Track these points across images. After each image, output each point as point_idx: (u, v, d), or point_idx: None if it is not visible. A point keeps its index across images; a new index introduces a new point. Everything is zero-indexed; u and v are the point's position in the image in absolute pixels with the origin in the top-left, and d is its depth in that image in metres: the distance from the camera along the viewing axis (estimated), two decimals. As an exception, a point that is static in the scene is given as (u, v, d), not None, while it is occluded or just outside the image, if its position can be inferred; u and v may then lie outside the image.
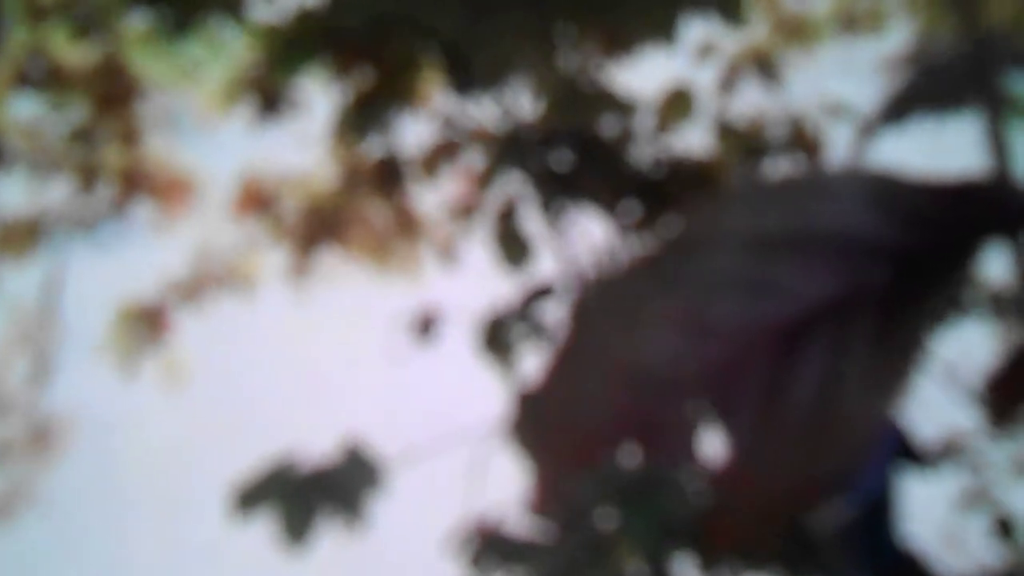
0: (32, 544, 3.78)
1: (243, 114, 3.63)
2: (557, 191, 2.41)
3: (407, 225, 3.32)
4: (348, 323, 3.60)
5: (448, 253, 3.52)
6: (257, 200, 3.96)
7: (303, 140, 3.67)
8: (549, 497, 0.60)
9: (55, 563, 3.74)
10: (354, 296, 3.41)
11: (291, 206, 3.88)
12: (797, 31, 3.10)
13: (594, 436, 0.59)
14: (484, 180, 2.37)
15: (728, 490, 0.57)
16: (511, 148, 2.43)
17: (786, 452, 0.57)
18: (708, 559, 2.16)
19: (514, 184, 2.45)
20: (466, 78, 2.35)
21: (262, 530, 2.41)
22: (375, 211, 3.65)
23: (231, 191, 3.93)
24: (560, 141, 2.49)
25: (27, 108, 3.89)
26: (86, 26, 3.29)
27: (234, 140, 3.79)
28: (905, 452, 3.11)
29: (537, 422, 1.99)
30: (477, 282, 2.50)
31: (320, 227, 3.82)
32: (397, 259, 3.58)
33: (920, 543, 2.82)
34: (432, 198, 3.13)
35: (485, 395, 2.37)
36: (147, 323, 3.89)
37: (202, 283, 3.98)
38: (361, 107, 2.95)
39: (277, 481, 2.26)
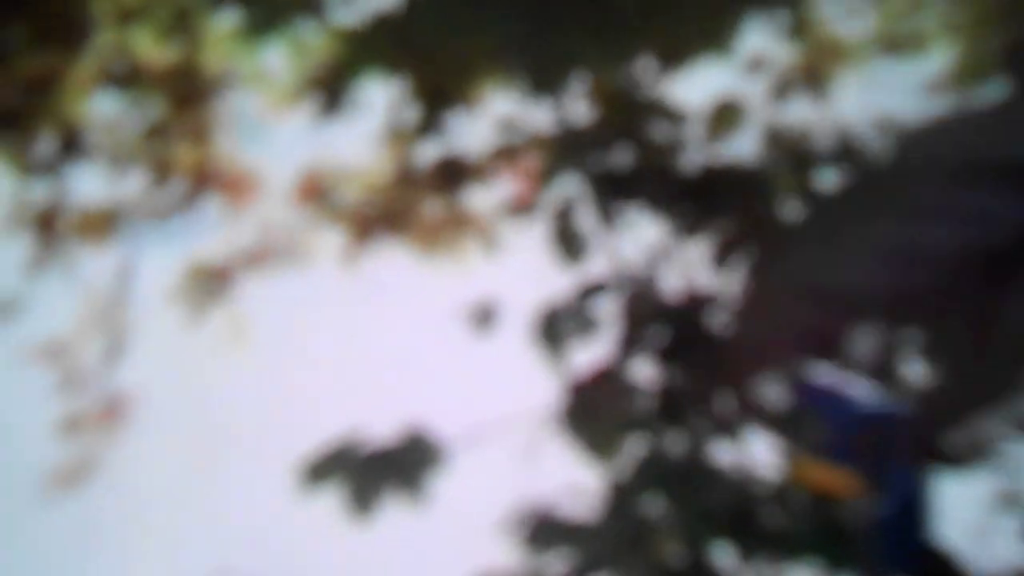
0: (98, 514, 3.79)
1: (307, 111, 3.65)
2: (612, 193, 2.39)
3: (462, 220, 3.32)
4: (404, 309, 3.59)
5: (498, 247, 3.52)
6: (317, 190, 3.97)
7: (362, 136, 3.68)
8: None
9: (119, 533, 3.75)
10: (410, 284, 3.40)
11: (348, 196, 3.89)
12: (839, 52, 3.07)
13: (782, 347, 0.57)
14: (543, 180, 2.35)
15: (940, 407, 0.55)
16: (568, 150, 2.41)
17: (996, 377, 0.55)
18: (747, 550, 2.14)
19: (571, 185, 2.43)
20: (532, 82, 2.33)
21: (324, 505, 2.41)
22: (430, 205, 3.65)
23: (293, 183, 3.95)
24: (615, 145, 2.47)
25: (108, 104, 3.91)
26: (171, 27, 3.30)
27: (296, 136, 3.80)
28: (937, 452, 3.07)
29: (587, 409, 1.95)
30: (532, 276, 2.49)
31: (375, 216, 3.83)
32: (449, 251, 3.58)
33: (951, 544, 2.78)
34: (488, 195, 3.12)
35: (537, 385, 2.35)
36: (213, 281, 3.91)
37: (265, 252, 4.00)
38: (426, 107, 2.95)
39: (343, 458, 2.27)
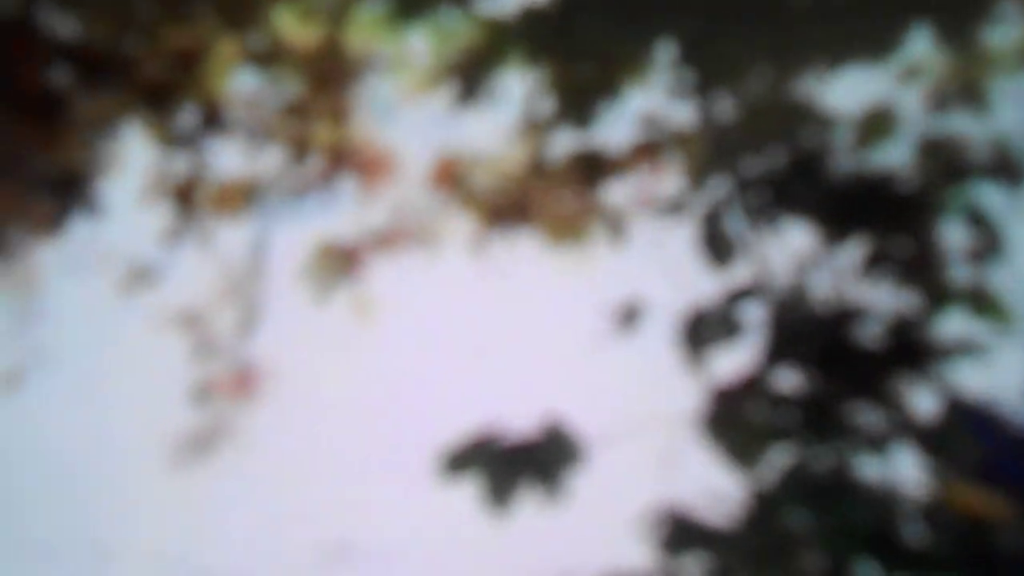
0: (230, 481, 3.85)
1: (445, 97, 3.65)
2: (763, 197, 2.35)
3: (597, 214, 3.29)
4: (535, 300, 3.58)
5: (630, 243, 3.50)
6: (450, 176, 3.98)
7: (498, 125, 3.67)
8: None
9: (250, 501, 3.81)
10: (540, 274, 3.39)
11: (481, 183, 3.89)
12: (997, 61, 2.97)
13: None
14: (694, 181, 2.32)
15: None
16: (720, 152, 2.37)
17: None
18: (891, 568, 2.09)
19: (721, 187, 2.40)
20: (699, 81, 2.30)
21: (452, 492, 2.41)
22: (563, 197, 3.63)
23: (427, 168, 3.96)
24: (767, 149, 2.42)
25: (249, 81, 3.95)
26: (318, 9, 3.33)
27: (433, 121, 3.81)
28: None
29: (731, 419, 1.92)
30: (675, 277, 2.46)
31: (506, 204, 3.82)
32: (581, 243, 3.56)
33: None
34: (625, 191, 3.09)
35: (678, 388, 2.32)
36: (343, 260, 3.95)
37: (396, 234, 4.03)
38: (569, 100, 2.93)
39: (482, 450, 2.26)
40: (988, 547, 2.08)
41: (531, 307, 3.80)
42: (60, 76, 3.84)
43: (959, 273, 2.39)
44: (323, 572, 3.69)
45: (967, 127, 2.77)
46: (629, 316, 2.47)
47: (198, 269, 4.22)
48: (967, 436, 2.10)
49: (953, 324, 2.35)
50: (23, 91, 3.72)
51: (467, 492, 2.35)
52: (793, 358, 2.20)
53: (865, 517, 2.09)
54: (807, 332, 2.22)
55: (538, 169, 3.70)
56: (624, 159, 3.10)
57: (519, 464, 2.24)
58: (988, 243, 2.46)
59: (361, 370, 4.11)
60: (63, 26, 3.80)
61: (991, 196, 2.58)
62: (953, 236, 2.42)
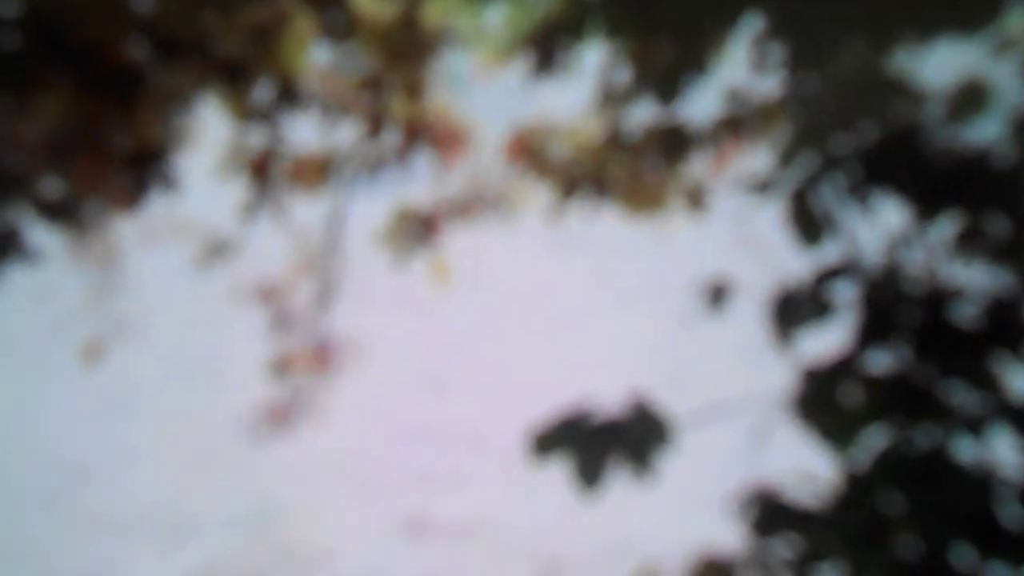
0: (307, 452, 3.89)
1: (521, 69, 3.63)
2: (854, 174, 2.31)
3: (681, 189, 3.26)
4: (614, 272, 3.57)
5: (710, 216, 3.46)
6: (527, 147, 3.96)
7: (575, 97, 3.65)
8: None
9: (326, 471, 3.85)
10: (618, 246, 3.37)
11: (559, 154, 3.87)
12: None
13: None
14: (783, 157, 2.28)
15: None
16: (811, 127, 2.33)
17: None
18: (988, 551, 2.06)
19: (812, 164, 2.36)
20: (795, 55, 2.26)
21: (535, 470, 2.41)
22: (642, 168, 3.60)
23: (504, 139, 3.95)
24: (858, 124, 2.38)
25: (325, 56, 3.95)
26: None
27: (509, 93, 3.79)
28: None
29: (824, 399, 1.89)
30: (762, 256, 2.43)
31: (583, 175, 3.80)
32: (664, 219, 3.54)
33: None
34: (710, 166, 3.05)
35: (767, 368, 2.30)
36: (420, 226, 3.96)
37: (473, 203, 4.03)
38: (656, 74, 2.90)
39: (571, 429, 2.26)
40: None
41: (612, 281, 3.78)
42: (139, 51, 3.87)
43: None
44: (403, 544, 3.72)
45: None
46: (717, 294, 2.45)
47: (275, 242, 4.25)
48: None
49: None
50: (103, 66, 3.75)
51: (556, 471, 2.35)
52: (886, 338, 2.17)
53: (961, 500, 2.06)
54: (901, 312, 2.18)
55: (616, 141, 3.67)
56: (707, 133, 3.06)
57: (608, 443, 2.23)
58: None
59: (440, 342, 4.13)
60: (141, 2, 3.83)
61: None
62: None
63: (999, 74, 2.72)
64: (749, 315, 2.47)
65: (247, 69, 4.07)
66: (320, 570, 3.59)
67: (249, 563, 3.66)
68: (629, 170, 3.57)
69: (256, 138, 4.14)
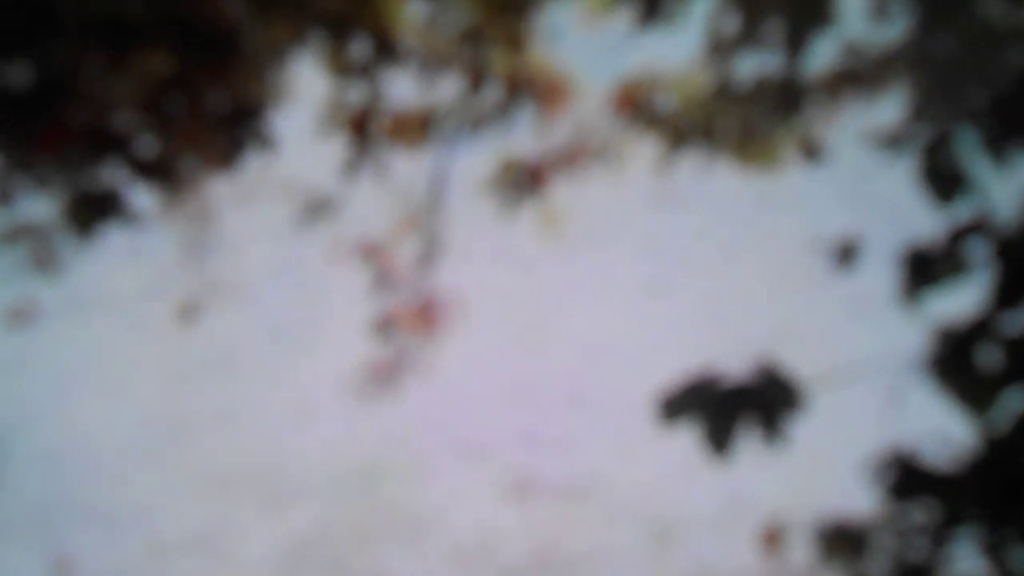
0: (412, 412, 4.01)
1: (625, 20, 3.67)
2: (989, 129, 2.34)
3: (797, 142, 3.30)
4: (737, 234, 3.62)
5: (827, 172, 3.49)
6: (632, 99, 4.01)
7: (681, 47, 3.68)
8: None
9: (432, 432, 3.96)
10: (742, 208, 3.42)
11: (665, 105, 3.91)
12: None
13: None
14: (915, 112, 2.32)
15: None
16: (943, 81, 2.36)
17: None
18: None
19: (945, 118, 2.39)
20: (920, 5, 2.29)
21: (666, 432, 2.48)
22: (756, 122, 3.63)
23: (609, 91, 4.00)
24: (992, 78, 2.40)
25: (424, 9, 4.02)
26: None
27: (611, 46, 3.83)
28: None
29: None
30: (892, 213, 2.47)
31: (692, 127, 3.84)
32: (777, 172, 3.57)
33: None
34: (827, 119, 3.09)
35: (900, 329, 2.35)
36: (526, 176, 4.03)
37: (578, 154, 4.09)
38: (780, 25, 2.93)
39: (701, 393, 2.33)
40: None
41: (723, 237, 3.83)
42: (235, 8, 3.96)
43: None
44: (510, 505, 3.82)
45: None
46: (846, 253, 2.50)
47: (376, 200, 4.35)
48: None
49: None
50: (200, 24, 3.85)
51: (670, 432, 2.43)
52: (1023, 298, 2.21)
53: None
54: (1039, 271, 2.22)
55: (725, 92, 3.70)
56: (823, 85, 3.09)
57: (738, 408, 2.30)
58: None
59: (545, 298, 4.21)
60: (238, -41, 3.91)
61: None
62: None
63: None
64: (871, 274, 2.52)
65: (345, 24, 4.16)
66: (427, 532, 3.70)
67: (355, 525, 3.78)
68: (739, 122, 3.61)
69: (355, 94, 4.23)
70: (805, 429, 2.45)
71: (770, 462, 2.50)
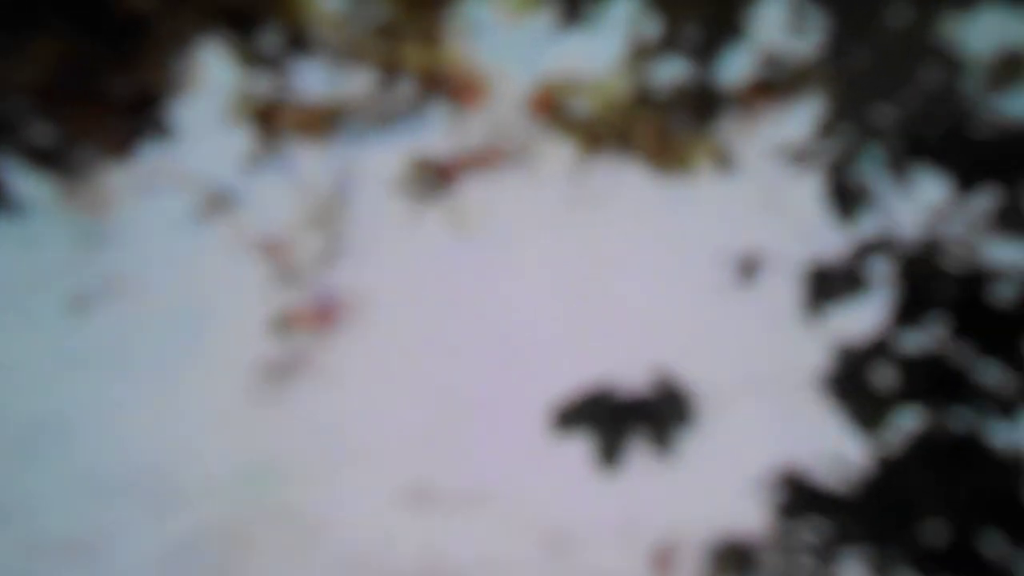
0: (308, 414, 3.94)
1: (546, 19, 3.66)
2: (895, 146, 2.35)
3: (711, 153, 3.30)
4: (639, 233, 3.61)
5: (739, 183, 3.50)
6: (550, 101, 3.99)
7: (602, 50, 3.68)
8: None
9: (328, 434, 3.90)
10: (653, 220, 3.41)
11: (583, 109, 3.90)
12: None
13: None
14: (822, 128, 2.33)
15: None
16: (851, 97, 2.37)
17: None
18: (1018, 536, 2.13)
19: (851, 134, 2.40)
20: (822, 19, 2.29)
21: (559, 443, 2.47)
22: (673, 129, 3.63)
23: (526, 91, 3.98)
24: (900, 95, 2.42)
25: (337, 1, 3.97)
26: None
27: (533, 44, 3.81)
28: None
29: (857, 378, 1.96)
30: (797, 228, 2.47)
31: (608, 131, 3.83)
32: (692, 182, 3.57)
33: None
34: (742, 131, 3.09)
35: (799, 345, 2.35)
36: (437, 175, 4.00)
37: (491, 156, 4.06)
38: (694, 33, 2.93)
39: (595, 404, 2.32)
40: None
41: (635, 243, 3.82)
42: (140, -8, 3.88)
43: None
44: (404, 513, 3.78)
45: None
46: (748, 267, 2.50)
47: (280, 195, 4.28)
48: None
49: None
50: (103, 10, 3.77)
51: (570, 444, 2.41)
52: (922, 317, 2.22)
53: (993, 486, 2.12)
54: (937, 290, 2.24)
55: (643, 98, 3.70)
56: (739, 95, 3.10)
57: (631, 420, 2.29)
58: None
59: (452, 301, 4.17)
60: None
61: None
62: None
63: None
64: (779, 287, 2.52)
65: (255, 14, 4.09)
66: (315, 538, 3.64)
67: (240, 529, 3.72)
68: (656, 129, 3.61)
69: (262, 86, 4.16)
70: (705, 444, 2.44)
71: (669, 476, 2.49)
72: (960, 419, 2.20)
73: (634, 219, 3.75)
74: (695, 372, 2.40)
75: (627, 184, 3.70)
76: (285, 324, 4.20)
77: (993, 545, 2.18)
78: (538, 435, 2.44)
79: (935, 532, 2.16)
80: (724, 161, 3.50)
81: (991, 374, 2.24)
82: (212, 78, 4.19)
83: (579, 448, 2.39)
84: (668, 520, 2.72)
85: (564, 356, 3.00)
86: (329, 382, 4.06)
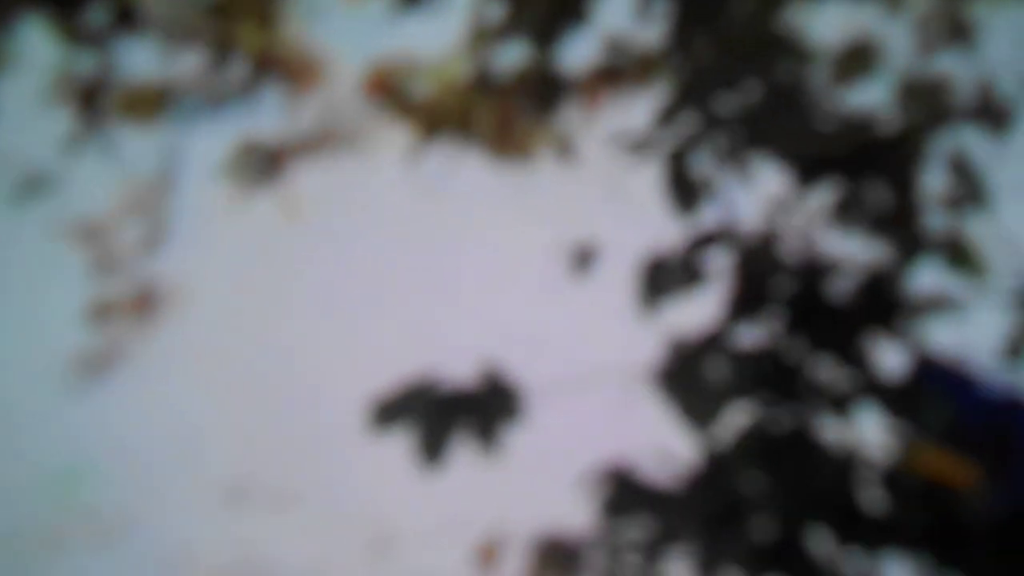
0: (124, 408, 3.80)
1: (384, 2, 3.59)
2: (735, 137, 2.33)
3: (551, 139, 3.26)
4: (476, 222, 3.55)
5: (579, 172, 3.47)
6: (387, 83, 3.92)
7: (442, 33, 3.62)
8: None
9: (138, 424, 3.76)
10: (484, 196, 3.36)
11: (421, 92, 3.84)
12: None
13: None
14: (663, 116, 2.29)
15: None
16: (693, 85, 2.34)
17: None
18: (846, 536, 2.12)
19: (691, 124, 2.37)
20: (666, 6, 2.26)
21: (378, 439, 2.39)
22: (513, 116, 3.59)
23: (363, 73, 3.90)
24: (741, 84, 2.40)
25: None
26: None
27: (372, 25, 3.74)
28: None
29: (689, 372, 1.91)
30: (634, 218, 2.43)
31: (445, 116, 3.77)
32: (531, 169, 3.53)
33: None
34: (583, 117, 3.05)
35: (632, 338, 2.31)
36: (266, 160, 3.89)
37: (325, 139, 3.97)
38: (536, 17, 2.88)
39: (416, 398, 2.24)
40: (950, 515, 2.11)
41: (473, 236, 3.76)
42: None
43: (936, 223, 2.39)
44: (223, 511, 3.67)
45: (953, 66, 2.77)
46: (583, 257, 2.45)
47: (102, 179, 4.12)
48: (936, 397, 2.12)
49: (927, 277, 2.37)
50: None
51: (394, 441, 2.33)
52: (758, 311, 2.19)
53: (821, 482, 2.10)
54: (774, 284, 2.21)
55: (484, 83, 3.65)
56: (581, 82, 3.06)
57: (454, 415, 2.21)
58: (968, 191, 2.46)
59: (280, 290, 4.05)
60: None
61: (974, 141, 2.58)
62: (932, 183, 2.42)
63: (888, 35, 2.77)
64: (616, 279, 2.48)
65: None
66: (127, 537, 3.52)
67: (48, 529, 3.56)
68: (496, 114, 3.55)
69: (85, 64, 4.01)
70: (533, 439, 2.38)
71: (494, 473, 2.43)
72: (792, 415, 2.17)
73: (472, 207, 3.69)
74: (525, 365, 2.34)
75: (466, 171, 3.64)
76: (103, 314, 4.04)
77: (821, 543, 2.16)
78: (363, 431, 2.35)
79: (762, 529, 2.13)
80: (565, 148, 3.46)
81: (825, 370, 2.22)
82: (32, 55, 4.03)
83: (403, 444, 2.30)
84: (493, 518, 2.66)
85: (393, 349, 2.91)
86: (148, 375, 3.92)
